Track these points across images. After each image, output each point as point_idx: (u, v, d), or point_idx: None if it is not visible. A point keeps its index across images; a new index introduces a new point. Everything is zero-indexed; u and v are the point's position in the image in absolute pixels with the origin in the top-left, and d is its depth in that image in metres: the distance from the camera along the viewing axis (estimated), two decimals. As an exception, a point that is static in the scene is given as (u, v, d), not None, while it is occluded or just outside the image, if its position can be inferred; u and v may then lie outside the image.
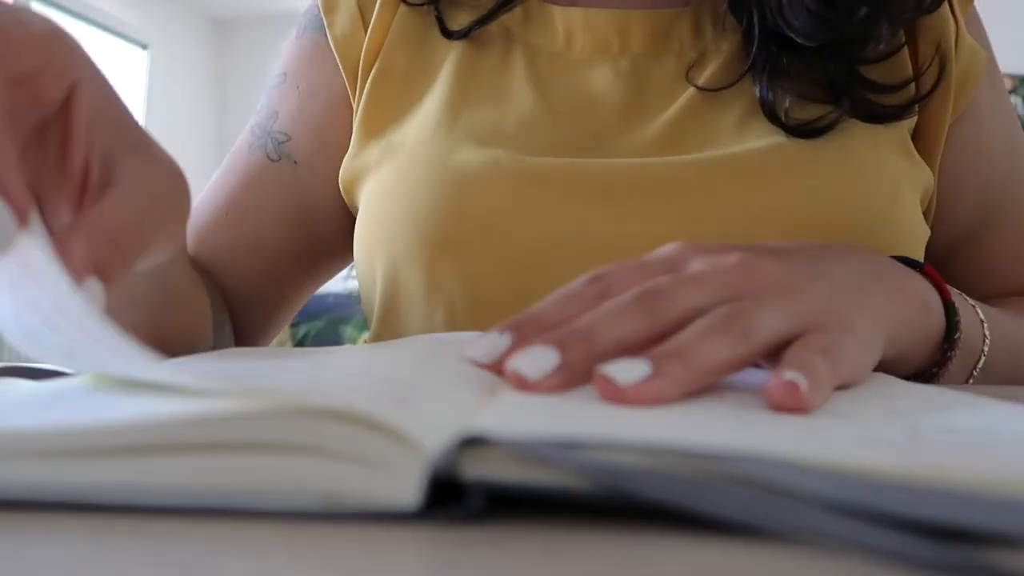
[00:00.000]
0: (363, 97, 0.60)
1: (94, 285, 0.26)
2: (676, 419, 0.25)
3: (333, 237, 0.63)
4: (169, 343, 0.49)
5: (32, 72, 0.28)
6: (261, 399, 0.20)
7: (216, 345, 0.57)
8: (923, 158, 0.57)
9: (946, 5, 0.57)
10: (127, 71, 3.93)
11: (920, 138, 0.58)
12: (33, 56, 0.28)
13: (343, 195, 0.61)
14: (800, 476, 0.18)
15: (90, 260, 0.26)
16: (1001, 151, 0.60)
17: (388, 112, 0.59)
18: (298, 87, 0.63)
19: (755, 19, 0.55)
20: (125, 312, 0.42)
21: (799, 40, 0.53)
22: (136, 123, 0.32)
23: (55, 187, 0.30)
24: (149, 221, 0.29)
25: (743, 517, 0.18)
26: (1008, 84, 2.88)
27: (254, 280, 0.62)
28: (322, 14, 0.62)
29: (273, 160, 0.61)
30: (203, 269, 0.60)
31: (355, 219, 0.60)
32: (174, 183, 0.31)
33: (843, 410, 0.27)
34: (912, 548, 0.16)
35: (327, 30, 0.62)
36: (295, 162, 0.61)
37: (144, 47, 4.04)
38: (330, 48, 0.61)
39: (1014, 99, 2.91)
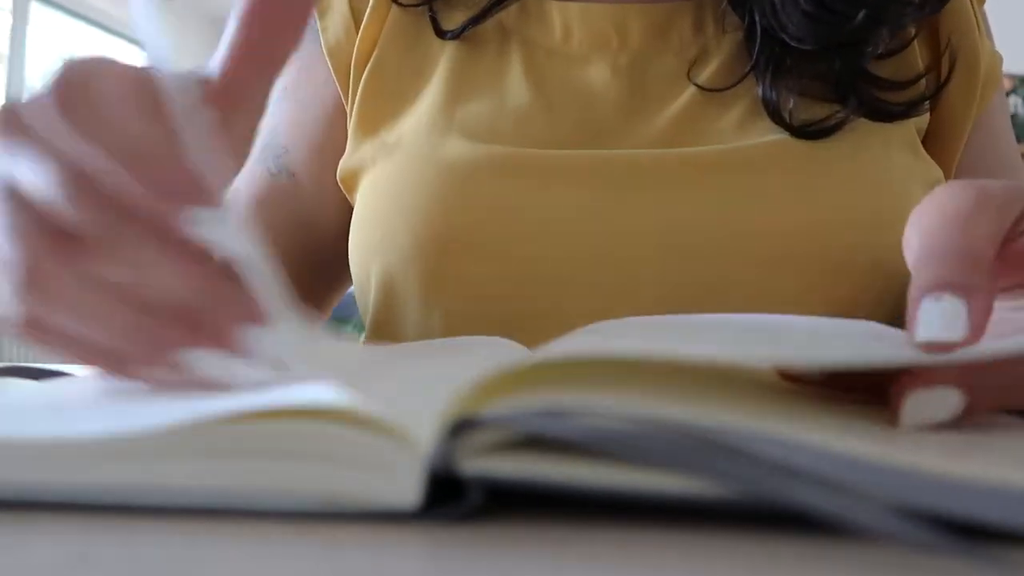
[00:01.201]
0: (357, 96, 0.59)
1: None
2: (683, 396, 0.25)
3: (336, 249, 0.62)
4: None
5: None
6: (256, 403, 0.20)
7: None
8: (938, 158, 0.56)
9: (965, 1, 0.57)
10: (127, 71, 3.94)
11: (936, 137, 0.57)
12: None
13: (344, 192, 0.60)
14: (793, 453, 0.18)
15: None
16: (1007, 156, 0.60)
17: (382, 110, 0.58)
18: (295, 99, 0.63)
19: (756, 17, 0.55)
20: None
21: (793, 44, 0.53)
22: None
23: None
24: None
25: (724, 477, 0.18)
26: (1008, 84, 2.88)
27: None
28: (316, 20, 0.62)
29: (273, 174, 0.62)
30: None
31: None
32: None
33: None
34: (895, 527, 0.16)
35: (320, 35, 0.61)
36: (292, 174, 0.61)
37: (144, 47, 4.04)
38: (324, 56, 0.61)
39: (1014, 99, 2.91)
